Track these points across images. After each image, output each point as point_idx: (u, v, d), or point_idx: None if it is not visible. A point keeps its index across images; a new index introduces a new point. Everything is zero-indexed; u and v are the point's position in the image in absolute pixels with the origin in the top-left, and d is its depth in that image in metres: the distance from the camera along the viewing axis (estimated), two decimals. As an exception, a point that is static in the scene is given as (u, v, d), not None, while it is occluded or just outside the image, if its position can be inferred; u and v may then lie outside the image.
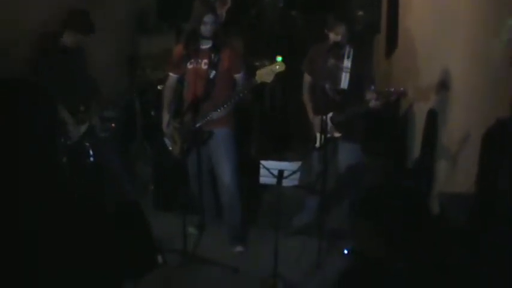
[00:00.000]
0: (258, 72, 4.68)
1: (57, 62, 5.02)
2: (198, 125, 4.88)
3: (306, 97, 5.28)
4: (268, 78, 4.68)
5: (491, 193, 3.72)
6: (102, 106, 5.28)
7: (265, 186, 5.07)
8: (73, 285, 1.95)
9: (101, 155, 5.34)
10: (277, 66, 4.65)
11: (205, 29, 4.82)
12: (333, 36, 4.99)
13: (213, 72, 4.90)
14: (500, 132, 3.65)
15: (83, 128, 5.15)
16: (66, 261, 1.92)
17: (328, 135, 4.96)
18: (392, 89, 4.93)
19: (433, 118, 5.56)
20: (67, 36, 5.08)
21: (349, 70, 5.04)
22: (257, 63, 5.76)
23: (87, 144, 5.23)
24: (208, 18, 4.79)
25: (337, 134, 5.10)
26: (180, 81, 5.16)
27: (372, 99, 4.83)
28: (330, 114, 5.01)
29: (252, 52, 6.98)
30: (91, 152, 5.24)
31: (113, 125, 6.27)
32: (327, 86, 5.06)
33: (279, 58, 4.66)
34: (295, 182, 4.51)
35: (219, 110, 4.84)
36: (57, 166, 2.21)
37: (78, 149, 5.16)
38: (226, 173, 5.08)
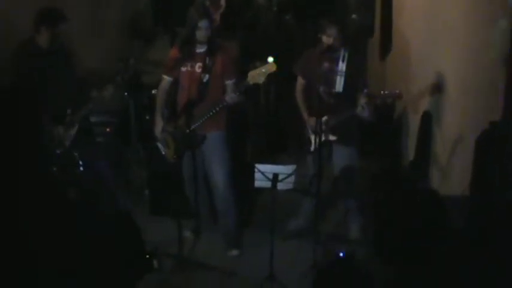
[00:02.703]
0: (250, 74, 4.70)
1: (36, 67, 4.97)
2: (191, 129, 4.89)
3: (300, 100, 5.28)
4: (260, 79, 4.69)
5: (486, 195, 3.72)
6: (89, 107, 5.17)
7: (260, 190, 5.07)
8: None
9: (91, 164, 5.29)
10: (269, 67, 4.65)
11: (200, 33, 4.83)
12: (325, 40, 5.00)
13: (207, 76, 4.91)
14: (493, 135, 3.66)
15: (73, 132, 5.08)
16: (61, 268, 1.92)
17: (323, 139, 4.97)
18: (387, 92, 4.94)
19: (427, 120, 5.57)
20: (40, 36, 5.02)
21: (343, 73, 5.05)
22: (249, 65, 5.76)
23: (76, 154, 5.18)
24: (203, 23, 4.80)
25: (331, 137, 5.10)
26: (173, 85, 5.15)
27: (363, 107, 4.83)
28: (325, 118, 5.02)
29: (245, 55, 6.98)
30: (80, 162, 5.19)
31: (108, 129, 6.27)
32: (321, 89, 5.06)
33: (270, 59, 4.65)
34: (290, 186, 4.52)
35: (211, 113, 4.84)
36: (47, 174, 2.22)
37: (67, 159, 5.11)
38: (220, 176, 5.08)
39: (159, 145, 5.16)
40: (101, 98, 5.02)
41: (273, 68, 4.66)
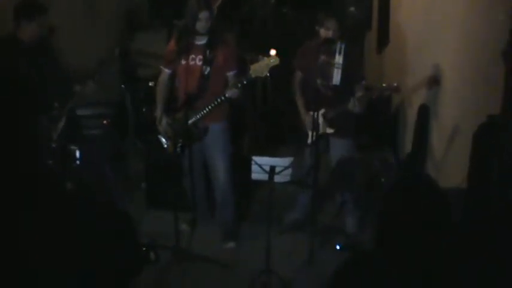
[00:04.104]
0: (252, 67, 4.66)
1: (20, 61, 4.77)
2: (191, 121, 4.87)
3: (298, 93, 5.27)
4: (263, 73, 4.66)
5: (483, 189, 3.73)
6: (74, 100, 5.04)
7: (258, 182, 5.07)
8: (65, 285, 1.95)
9: (88, 158, 5.26)
10: (272, 60, 4.63)
11: (201, 25, 4.78)
12: (323, 33, 4.99)
13: (208, 69, 4.88)
14: (491, 128, 3.66)
15: (60, 125, 4.97)
16: (57, 262, 1.92)
17: (320, 132, 4.97)
18: (385, 85, 4.94)
19: (424, 113, 5.58)
20: (21, 31, 4.80)
21: (340, 66, 5.03)
22: (250, 58, 5.74)
23: (73, 147, 5.14)
24: (203, 14, 4.75)
25: (329, 130, 5.10)
26: (172, 78, 5.13)
27: (355, 104, 4.83)
28: (322, 111, 5.01)
29: (243, 48, 6.97)
30: (77, 155, 5.15)
31: (105, 122, 6.25)
32: (319, 82, 5.06)
33: (273, 51, 4.62)
34: (287, 178, 4.51)
35: (212, 106, 4.82)
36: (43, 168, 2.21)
37: (63, 152, 5.06)
38: (220, 169, 5.08)
39: (161, 138, 5.14)
40: (84, 93, 4.95)
41: (276, 61, 4.63)
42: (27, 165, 1.94)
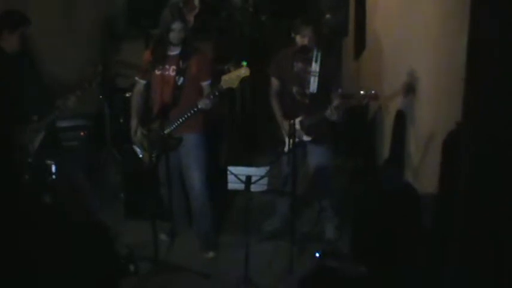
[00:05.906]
0: (223, 78, 4.69)
1: (3, 70, 4.81)
2: (166, 132, 4.87)
3: (274, 102, 5.28)
4: (234, 84, 4.68)
5: (449, 194, 3.75)
6: (55, 114, 5.03)
7: (236, 192, 5.07)
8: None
9: (64, 172, 5.23)
10: (242, 71, 4.65)
11: (174, 35, 4.81)
12: (299, 40, 5.01)
13: (181, 79, 4.89)
14: (459, 135, 3.68)
15: (39, 138, 4.96)
16: (34, 275, 1.91)
17: (297, 139, 4.97)
18: (363, 92, 4.95)
19: (401, 119, 5.60)
20: (3, 41, 4.82)
21: (317, 74, 5.05)
22: (223, 68, 5.75)
23: (49, 161, 5.11)
24: (176, 25, 4.78)
25: (306, 138, 5.11)
26: (147, 88, 5.13)
27: (332, 111, 4.84)
28: (299, 118, 5.02)
29: (220, 57, 6.97)
30: (53, 170, 5.12)
31: (82, 133, 6.22)
32: (295, 90, 5.07)
33: (244, 63, 4.65)
34: (264, 187, 4.53)
35: (186, 117, 4.83)
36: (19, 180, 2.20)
37: (39, 167, 5.03)
38: (196, 179, 5.08)
39: (136, 148, 5.14)
40: (65, 108, 4.95)
41: (247, 73, 4.65)
42: (4, 177, 1.94)
